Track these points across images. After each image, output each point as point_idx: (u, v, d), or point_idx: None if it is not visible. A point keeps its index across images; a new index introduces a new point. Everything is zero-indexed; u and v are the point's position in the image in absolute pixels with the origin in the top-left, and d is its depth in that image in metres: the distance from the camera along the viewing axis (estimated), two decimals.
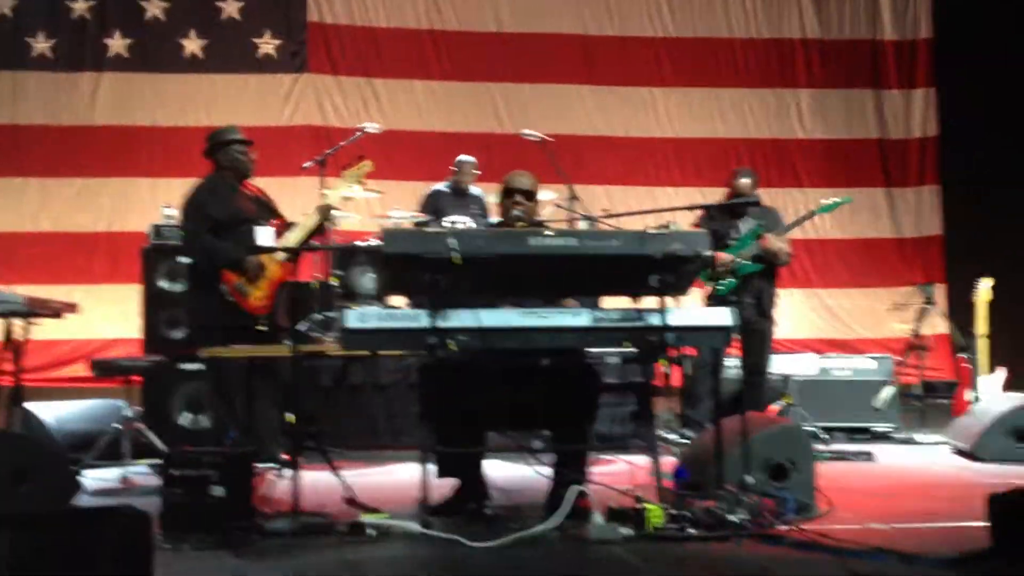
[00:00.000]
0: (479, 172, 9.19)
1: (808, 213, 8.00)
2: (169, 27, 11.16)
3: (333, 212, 6.58)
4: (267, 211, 6.54)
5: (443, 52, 11.64)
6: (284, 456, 6.45)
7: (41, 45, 11.00)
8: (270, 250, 6.32)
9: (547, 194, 8.30)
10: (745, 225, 7.58)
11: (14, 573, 3.27)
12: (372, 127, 7.74)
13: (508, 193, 5.43)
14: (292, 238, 6.37)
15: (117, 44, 11.09)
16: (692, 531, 4.43)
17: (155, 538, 4.02)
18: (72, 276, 10.62)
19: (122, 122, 11.02)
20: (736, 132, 12.02)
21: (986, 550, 3.88)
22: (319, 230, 6.56)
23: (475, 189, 9.15)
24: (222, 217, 6.33)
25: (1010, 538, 3.81)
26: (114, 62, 11.08)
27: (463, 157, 9.18)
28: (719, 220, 7.56)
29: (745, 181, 7.63)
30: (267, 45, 11.28)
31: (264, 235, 6.34)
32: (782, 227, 7.58)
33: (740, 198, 7.49)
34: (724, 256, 7.31)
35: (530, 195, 5.43)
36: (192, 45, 11.17)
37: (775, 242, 7.42)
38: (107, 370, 6.80)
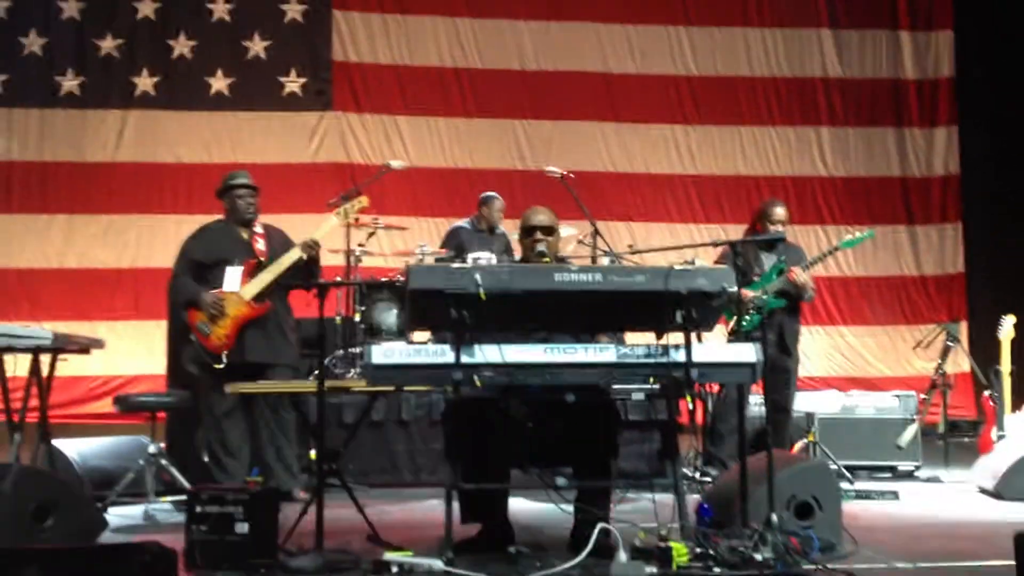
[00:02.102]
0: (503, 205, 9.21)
1: (831, 248, 7.97)
2: (196, 66, 11.29)
3: (319, 246, 6.68)
4: (246, 252, 6.68)
5: (467, 90, 11.72)
6: (302, 492, 6.51)
7: (69, 83, 11.14)
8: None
9: (569, 230, 8.34)
10: (769, 260, 7.56)
11: None
12: (397, 164, 7.79)
13: (528, 231, 5.42)
14: (264, 276, 6.53)
15: (144, 82, 11.21)
16: (717, 570, 4.40)
17: (179, 574, 4.04)
18: (97, 312, 10.72)
19: (148, 159, 11.14)
20: (757, 170, 12.05)
21: None
22: (311, 266, 6.63)
23: (499, 227, 9.14)
24: (202, 259, 6.68)
25: None
26: (141, 100, 11.20)
27: (491, 195, 9.15)
28: (743, 256, 7.53)
29: (780, 211, 7.59)
30: (293, 84, 11.39)
31: (232, 276, 6.53)
32: (805, 262, 7.56)
33: (773, 227, 7.46)
34: (748, 293, 7.29)
35: (550, 230, 5.42)
36: (219, 83, 11.29)
37: (801, 275, 7.40)
38: (130, 406, 6.82)
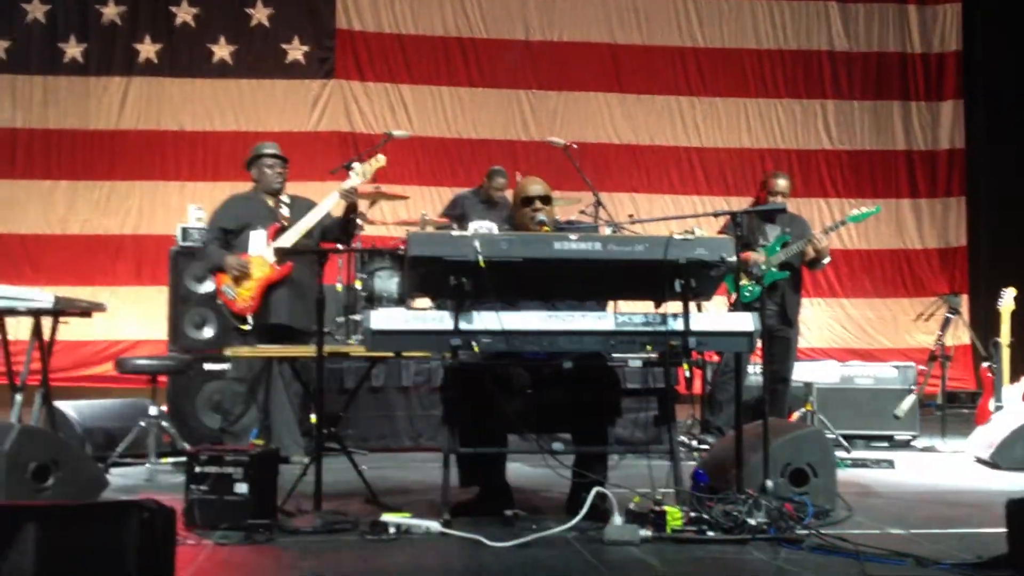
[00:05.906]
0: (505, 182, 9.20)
1: (837, 223, 7.96)
2: (199, 33, 11.28)
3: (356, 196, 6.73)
4: (271, 217, 6.76)
5: (471, 59, 11.69)
6: (303, 455, 6.57)
7: (73, 50, 11.13)
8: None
9: (572, 200, 8.34)
10: (772, 232, 7.56)
11: (40, 564, 3.32)
12: (400, 133, 7.78)
13: (527, 201, 5.42)
14: (291, 234, 6.61)
15: (147, 49, 11.21)
16: (711, 533, 4.42)
17: (178, 533, 4.07)
18: (99, 278, 10.78)
19: (151, 126, 11.16)
20: (762, 142, 12.04)
21: (1003, 556, 3.88)
22: (349, 215, 6.64)
23: (501, 197, 9.14)
24: (230, 226, 6.80)
25: None
26: (144, 67, 11.21)
27: (496, 169, 9.15)
28: (745, 227, 7.51)
29: (782, 182, 7.57)
30: (296, 51, 11.37)
31: (256, 239, 6.61)
32: (820, 230, 7.59)
33: (773, 198, 7.45)
34: (754, 256, 7.29)
35: (547, 199, 5.43)
36: (222, 51, 11.27)
37: (823, 240, 7.43)
38: (131, 369, 6.88)
